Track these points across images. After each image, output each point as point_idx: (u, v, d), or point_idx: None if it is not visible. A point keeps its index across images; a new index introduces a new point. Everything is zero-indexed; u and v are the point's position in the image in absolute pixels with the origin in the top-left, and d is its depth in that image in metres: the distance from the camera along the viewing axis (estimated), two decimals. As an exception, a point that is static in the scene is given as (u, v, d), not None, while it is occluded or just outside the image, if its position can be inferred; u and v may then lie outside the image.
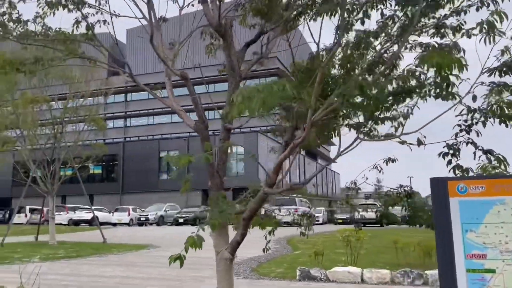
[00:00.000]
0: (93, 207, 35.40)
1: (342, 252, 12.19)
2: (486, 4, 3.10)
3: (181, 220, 31.00)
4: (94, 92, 19.86)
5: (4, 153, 45.95)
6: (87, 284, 9.67)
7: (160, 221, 32.36)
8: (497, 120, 3.23)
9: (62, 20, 4.45)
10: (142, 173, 47.55)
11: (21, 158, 24.17)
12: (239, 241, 3.58)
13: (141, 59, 67.25)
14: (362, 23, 3.33)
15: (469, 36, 3.24)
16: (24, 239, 20.63)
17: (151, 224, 32.22)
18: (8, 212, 38.29)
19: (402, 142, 3.12)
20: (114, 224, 31.89)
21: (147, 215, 32.11)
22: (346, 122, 3.44)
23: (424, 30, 3.27)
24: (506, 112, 3.13)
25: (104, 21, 4.65)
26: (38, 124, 18.25)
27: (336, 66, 3.42)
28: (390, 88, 3.16)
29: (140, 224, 32.23)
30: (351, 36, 3.40)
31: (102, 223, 33.36)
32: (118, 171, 48.81)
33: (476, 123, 3.35)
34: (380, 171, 3.72)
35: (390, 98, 3.16)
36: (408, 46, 3.36)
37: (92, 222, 32.56)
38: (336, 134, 3.52)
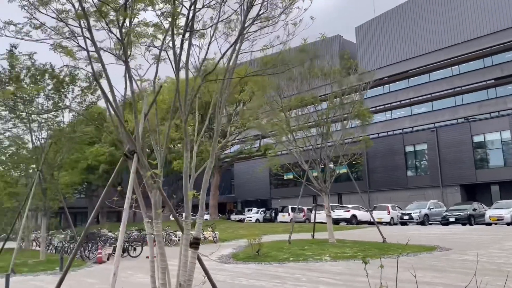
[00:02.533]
0: (350, 206, 35.67)
1: None
2: None
3: (452, 219, 27.58)
4: (353, 88, 19.29)
5: (262, 159, 51.83)
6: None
7: (425, 220, 29.67)
8: None
9: None
10: (388, 170, 45.66)
11: (274, 163, 26.01)
12: None
13: (372, 55, 65.87)
14: None
15: None
16: (301, 237, 21.53)
17: (415, 223, 29.90)
18: (274, 211, 42.40)
19: None
20: (373, 223, 30.98)
21: (410, 213, 29.91)
22: None
23: None
24: None
25: None
26: (307, 125, 18.77)
27: None
28: None
29: (403, 223, 30.34)
30: None
31: (360, 222, 33.13)
32: (363, 169, 48.22)
33: None
34: None
35: None
36: None
37: (351, 221, 32.63)
38: None
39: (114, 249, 16.97)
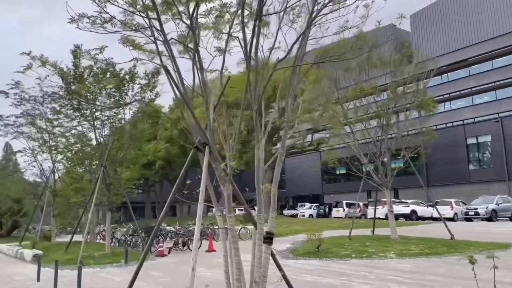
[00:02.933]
0: (409, 201, 34.30)
1: None
2: None
3: (524, 215, 25.73)
4: (414, 76, 18.30)
5: (314, 153, 51.06)
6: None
7: (493, 216, 27.83)
8: None
9: None
10: (448, 163, 43.37)
11: (330, 157, 25.15)
12: None
13: (428, 43, 62.93)
14: None
15: None
16: (359, 233, 20.83)
17: (480, 219, 28.15)
18: (328, 207, 41.70)
19: None
20: (435, 219, 29.56)
21: (476, 208, 28.18)
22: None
23: None
24: None
25: None
26: (366, 117, 18.06)
27: None
28: None
29: (467, 219, 28.67)
30: None
31: (420, 218, 31.74)
32: (422, 163, 46.17)
33: None
34: None
35: None
36: None
37: (411, 217, 31.33)
38: None
39: (175, 243, 17.26)
